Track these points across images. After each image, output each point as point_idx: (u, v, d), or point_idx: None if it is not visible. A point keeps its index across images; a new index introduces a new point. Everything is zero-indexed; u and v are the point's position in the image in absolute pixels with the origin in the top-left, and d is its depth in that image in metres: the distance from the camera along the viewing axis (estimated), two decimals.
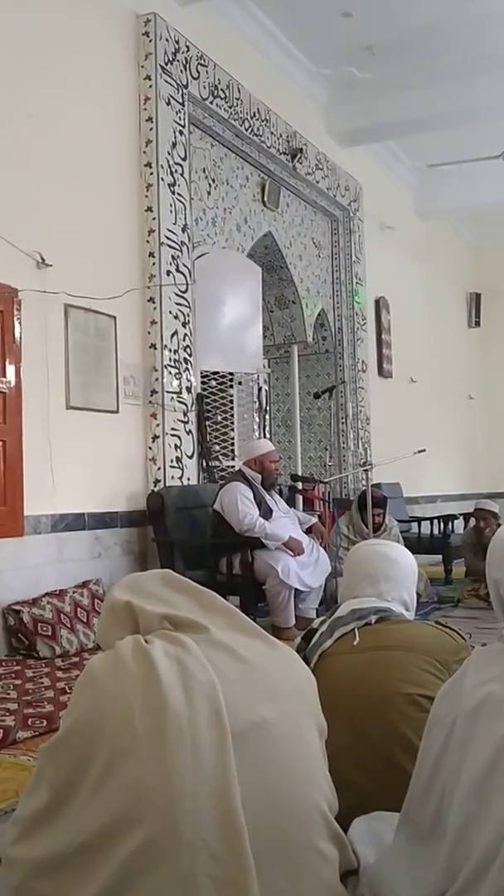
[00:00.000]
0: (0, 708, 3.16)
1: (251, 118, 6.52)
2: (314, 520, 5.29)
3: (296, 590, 4.72)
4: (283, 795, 1.27)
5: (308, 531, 5.10)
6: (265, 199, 7.06)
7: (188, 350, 5.59)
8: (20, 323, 4.35)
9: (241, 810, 1.20)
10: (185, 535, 5.05)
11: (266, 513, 4.81)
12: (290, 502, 6.59)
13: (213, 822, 1.19)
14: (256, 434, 6.64)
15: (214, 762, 1.22)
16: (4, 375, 4.24)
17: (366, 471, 5.57)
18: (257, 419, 6.73)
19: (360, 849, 1.53)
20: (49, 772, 1.35)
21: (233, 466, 6.18)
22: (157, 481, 5.27)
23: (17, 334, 4.33)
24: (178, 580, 1.54)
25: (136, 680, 1.29)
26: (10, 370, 4.27)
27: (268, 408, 7.78)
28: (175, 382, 5.45)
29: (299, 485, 6.61)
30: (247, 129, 6.48)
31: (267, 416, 7.17)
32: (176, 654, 1.32)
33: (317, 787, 1.32)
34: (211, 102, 6.01)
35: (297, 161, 7.23)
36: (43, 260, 4.53)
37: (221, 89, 6.13)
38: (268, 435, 7.08)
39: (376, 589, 1.99)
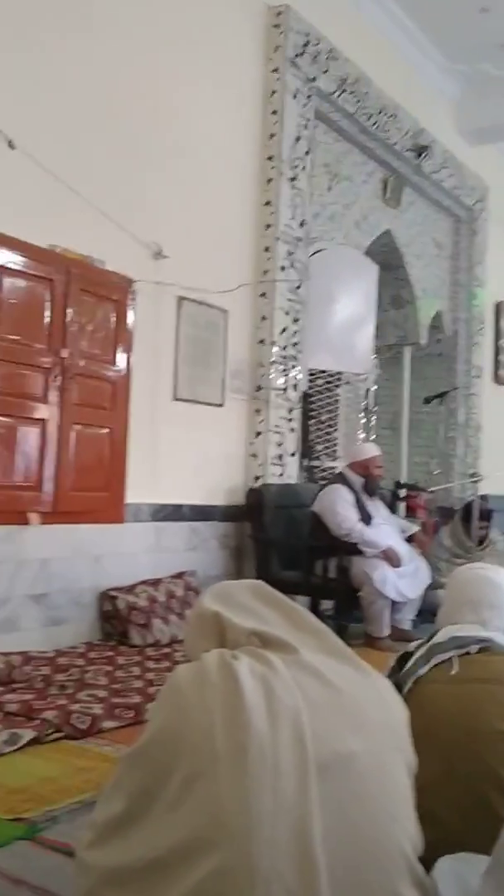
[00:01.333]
0: (88, 694, 3.19)
1: (378, 113, 6.40)
2: (415, 528, 5.15)
3: (393, 601, 4.61)
4: (365, 834, 1.19)
5: (409, 540, 4.96)
6: (387, 196, 6.92)
7: (297, 347, 5.53)
8: (134, 313, 4.39)
9: (319, 846, 1.14)
10: (282, 534, 5.00)
11: (365, 518, 4.70)
12: (393, 509, 6.46)
13: (290, 855, 1.13)
14: (361, 436, 6.52)
15: (295, 791, 1.16)
16: (115, 363, 4.28)
17: (474, 482, 5.39)
18: (363, 421, 6.61)
19: (443, 891, 1.44)
20: (127, 780, 1.32)
21: (334, 467, 6.09)
22: (257, 477, 5.24)
23: (130, 324, 4.36)
24: (269, 593, 1.48)
25: (219, 695, 1.24)
26: (122, 359, 4.31)
27: (375, 410, 7.65)
28: (281, 379, 5.40)
29: (403, 492, 6.46)
30: (373, 125, 6.36)
31: (373, 419, 7.05)
32: (262, 674, 1.26)
33: (402, 828, 1.24)
34: (338, 97, 5.92)
35: (423, 158, 7.06)
36: (160, 251, 4.56)
37: (349, 83, 6.02)
38: (373, 438, 6.95)
39: (478, 616, 1.89)
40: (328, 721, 1.24)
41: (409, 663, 1.81)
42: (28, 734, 2.65)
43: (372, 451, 5.03)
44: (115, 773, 1.38)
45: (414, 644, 1.88)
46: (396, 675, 1.82)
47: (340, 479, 4.89)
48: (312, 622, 1.43)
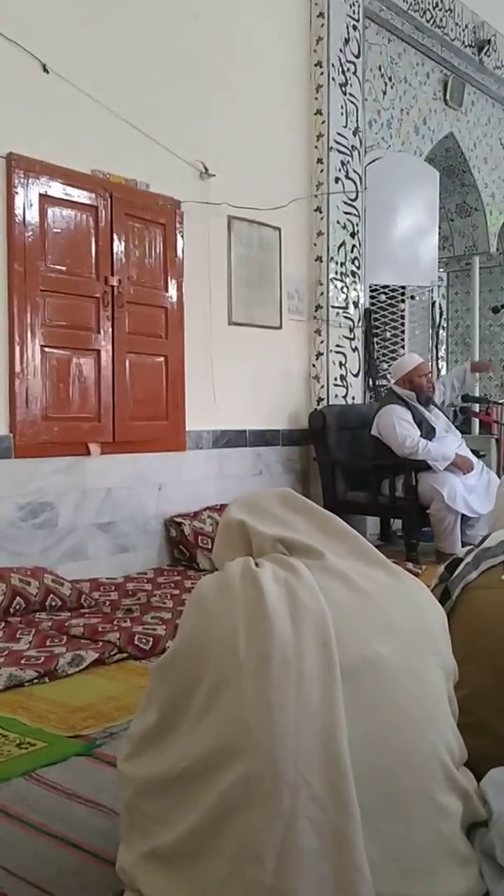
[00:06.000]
0: (154, 616, 3.22)
1: (433, 8, 6.02)
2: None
3: (463, 515, 4.49)
4: (396, 739, 1.15)
5: (477, 454, 4.81)
6: (447, 97, 6.55)
7: (356, 262, 5.35)
8: (182, 236, 4.30)
9: (346, 751, 1.10)
10: (346, 456, 4.92)
11: (428, 432, 4.57)
12: (466, 426, 6.29)
13: (317, 762, 1.10)
14: (431, 352, 6.31)
15: (320, 698, 1.12)
16: (167, 290, 4.22)
17: None
18: (431, 336, 6.39)
19: (494, 799, 1.39)
20: (158, 692, 1.30)
21: None
22: (319, 400, 5.15)
23: (179, 248, 4.28)
24: (298, 500, 1.42)
25: (241, 604, 1.20)
26: (172, 285, 4.24)
27: (444, 324, 7.40)
28: (341, 297, 5.25)
29: (476, 407, 6.27)
30: (428, 21, 5.99)
31: (442, 333, 6.82)
32: (286, 580, 1.22)
33: (437, 734, 1.19)
34: None
35: (485, 54, 6.65)
36: (206, 170, 4.43)
37: None
38: (442, 353, 6.74)
39: None
40: (355, 625, 1.19)
41: (458, 569, 1.73)
42: (91, 656, 2.70)
43: (413, 361, 4.85)
44: (147, 685, 1.37)
45: (464, 550, 1.80)
46: (446, 582, 1.75)
47: (392, 397, 4.74)
48: (342, 527, 1.37)
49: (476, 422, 6.54)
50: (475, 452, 4.81)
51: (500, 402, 5.12)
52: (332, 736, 1.11)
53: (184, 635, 1.28)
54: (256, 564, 1.27)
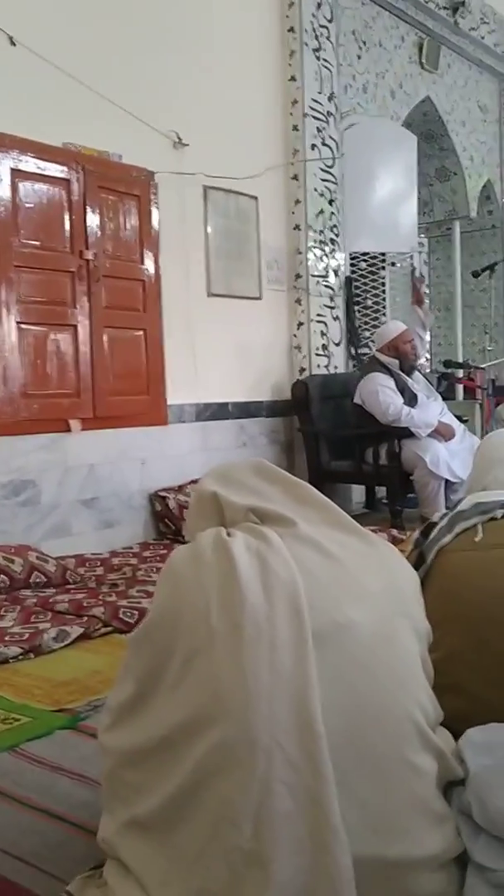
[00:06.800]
0: (140, 590, 3.23)
1: None
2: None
3: (447, 481, 4.51)
4: (368, 702, 1.16)
5: (460, 419, 4.83)
6: (423, 60, 6.48)
7: (335, 230, 5.32)
8: (158, 207, 4.25)
9: (319, 715, 1.11)
10: (330, 425, 4.93)
11: (411, 399, 4.58)
12: (450, 392, 6.29)
13: (290, 727, 1.11)
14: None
15: (293, 663, 1.13)
16: (143, 263, 4.19)
17: None
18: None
19: (470, 758, 1.41)
20: (134, 664, 1.31)
21: None
22: (302, 370, 5.14)
23: (155, 219, 4.24)
24: (271, 470, 1.42)
25: (214, 574, 1.21)
26: (149, 257, 4.21)
27: (426, 290, 7.38)
28: (321, 265, 5.22)
29: (459, 373, 6.27)
30: None
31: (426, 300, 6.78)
32: (258, 549, 1.22)
33: (409, 695, 1.20)
34: None
35: (459, 15, 6.57)
36: (179, 139, 4.38)
37: None
38: (431, 319, 6.71)
39: None
40: (327, 591, 1.20)
41: (433, 533, 1.74)
42: (76, 631, 2.71)
43: (397, 328, 4.84)
44: (124, 657, 1.37)
45: (438, 514, 1.81)
46: (421, 547, 1.76)
47: (375, 364, 4.74)
48: (316, 496, 1.37)
49: (460, 388, 6.55)
50: (458, 418, 4.83)
51: (482, 367, 5.12)
52: (305, 701, 1.12)
53: (157, 607, 1.28)
54: (228, 534, 1.27)
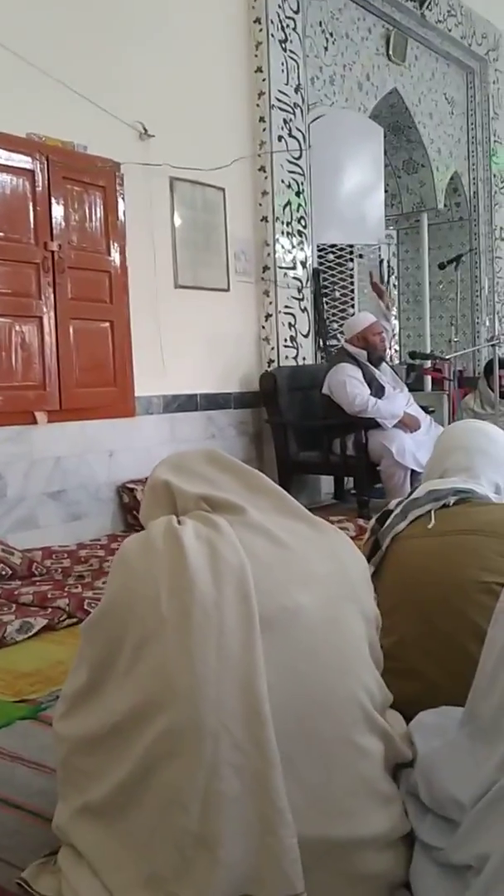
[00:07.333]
0: (105, 582, 3.22)
1: None
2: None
3: (413, 471, 4.55)
4: (314, 686, 1.18)
5: (426, 409, 4.88)
6: (390, 52, 6.51)
7: (302, 222, 5.33)
8: (123, 198, 4.24)
9: (266, 699, 1.13)
10: (298, 416, 4.95)
11: (377, 391, 4.61)
12: (418, 383, 6.34)
13: (237, 711, 1.13)
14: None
15: (240, 648, 1.15)
16: (109, 254, 4.17)
17: (493, 345, 5.24)
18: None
19: (421, 741, 1.44)
20: (87, 651, 1.32)
21: None
22: (270, 361, 5.15)
23: (120, 210, 4.22)
24: (223, 459, 1.43)
25: (164, 561, 1.22)
26: (115, 248, 4.19)
27: (395, 282, 7.42)
28: (289, 257, 5.23)
29: (427, 364, 6.31)
30: None
31: (393, 292, 6.83)
32: (207, 536, 1.24)
33: (356, 678, 1.22)
34: None
35: (426, 7, 6.59)
36: (145, 131, 4.36)
37: None
38: (394, 311, 6.76)
39: (469, 461, 1.83)
40: (275, 577, 1.22)
41: (388, 521, 1.77)
42: (40, 622, 2.71)
43: (366, 320, 4.87)
44: (78, 646, 1.38)
45: (394, 502, 1.83)
46: (377, 534, 1.79)
47: (343, 355, 4.77)
48: (267, 484, 1.39)
49: (429, 379, 6.60)
50: (424, 409, 4.87)
51: (448, 357, 5.17)
52: (252, 685, 1.13)
53: (109, 595, 1.29)
54: (179, 522, 1.29)
